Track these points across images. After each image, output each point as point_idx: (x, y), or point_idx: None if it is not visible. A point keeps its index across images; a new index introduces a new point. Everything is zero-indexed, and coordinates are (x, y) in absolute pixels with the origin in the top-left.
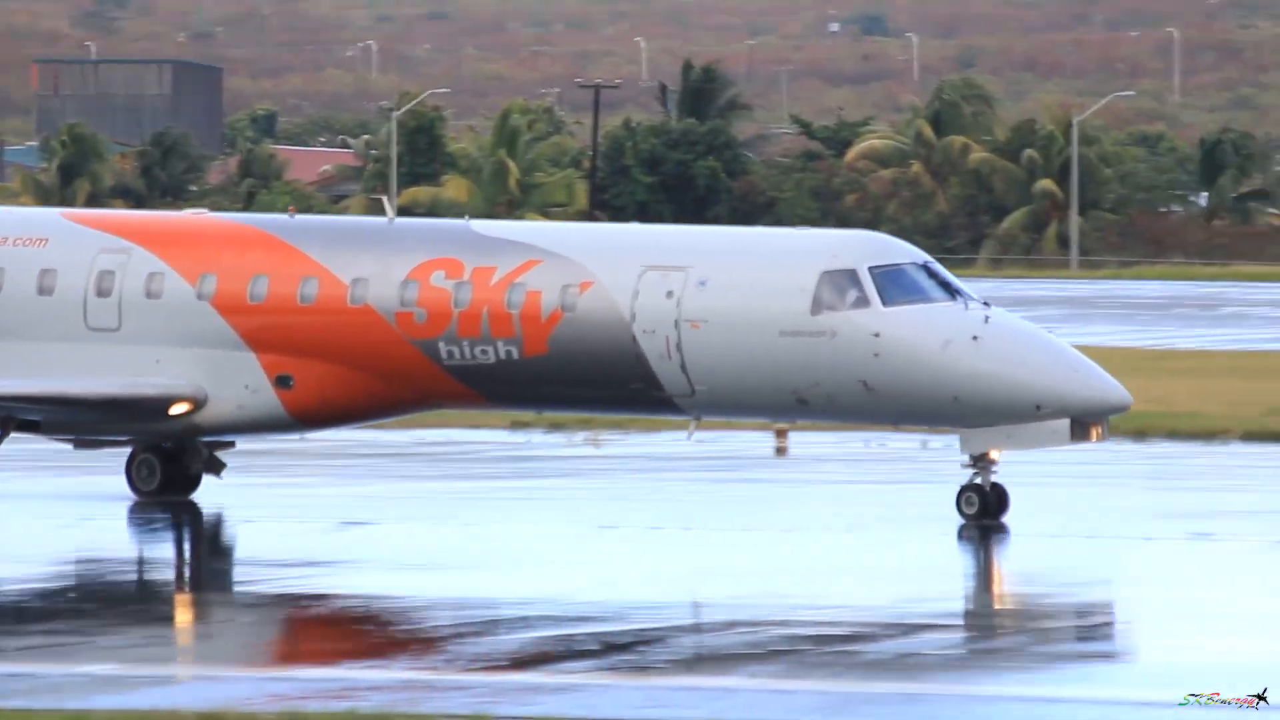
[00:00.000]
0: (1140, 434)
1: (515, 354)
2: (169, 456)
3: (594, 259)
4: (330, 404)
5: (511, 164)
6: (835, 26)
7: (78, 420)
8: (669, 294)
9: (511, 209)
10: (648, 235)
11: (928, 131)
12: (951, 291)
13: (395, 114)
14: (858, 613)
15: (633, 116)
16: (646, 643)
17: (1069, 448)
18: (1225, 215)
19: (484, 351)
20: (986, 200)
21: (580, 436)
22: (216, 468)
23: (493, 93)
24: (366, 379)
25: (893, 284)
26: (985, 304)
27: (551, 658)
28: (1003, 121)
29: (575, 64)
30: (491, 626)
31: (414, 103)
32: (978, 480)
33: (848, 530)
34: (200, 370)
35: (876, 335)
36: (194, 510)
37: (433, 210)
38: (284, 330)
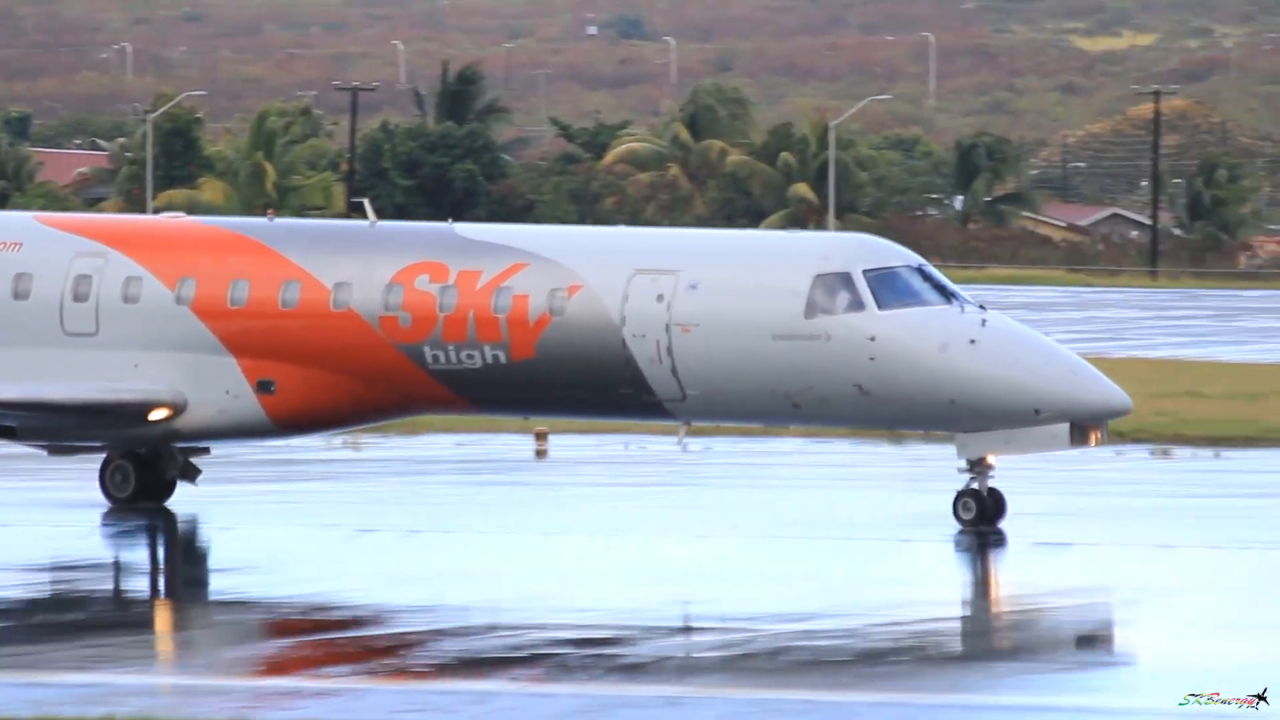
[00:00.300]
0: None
1: (502, 358)
2: (143, 463)
3: (582, 262)
4: (313, 409)
5: (269, 166)
6: (593, 29)
7: (55, 426)
8: (659, 297)
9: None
10: (636, 238)
11: (684, 135)
12: (947, 294)
13: (150, 116)
14: (617, 615)
15: (390, 119)
16: (407, 646)
17: (1064, 452)
18: (980, 218)
19: (470, 356)
20: (744, 204)
21: (340, 439)
22: (191, 474)
23: (249, 95)
24: (350, 384)
25: (887, 287)
26: (981, 307)
27: (311, 662)
28: (760, 125)
29: (332, 66)
30: (251, 631)
31: (170, 105)
32: (974, 485)
33: (608, 533)
34: (180, 375)
35: (872, 339)
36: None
37: (190, 213)
38: (265, 335)
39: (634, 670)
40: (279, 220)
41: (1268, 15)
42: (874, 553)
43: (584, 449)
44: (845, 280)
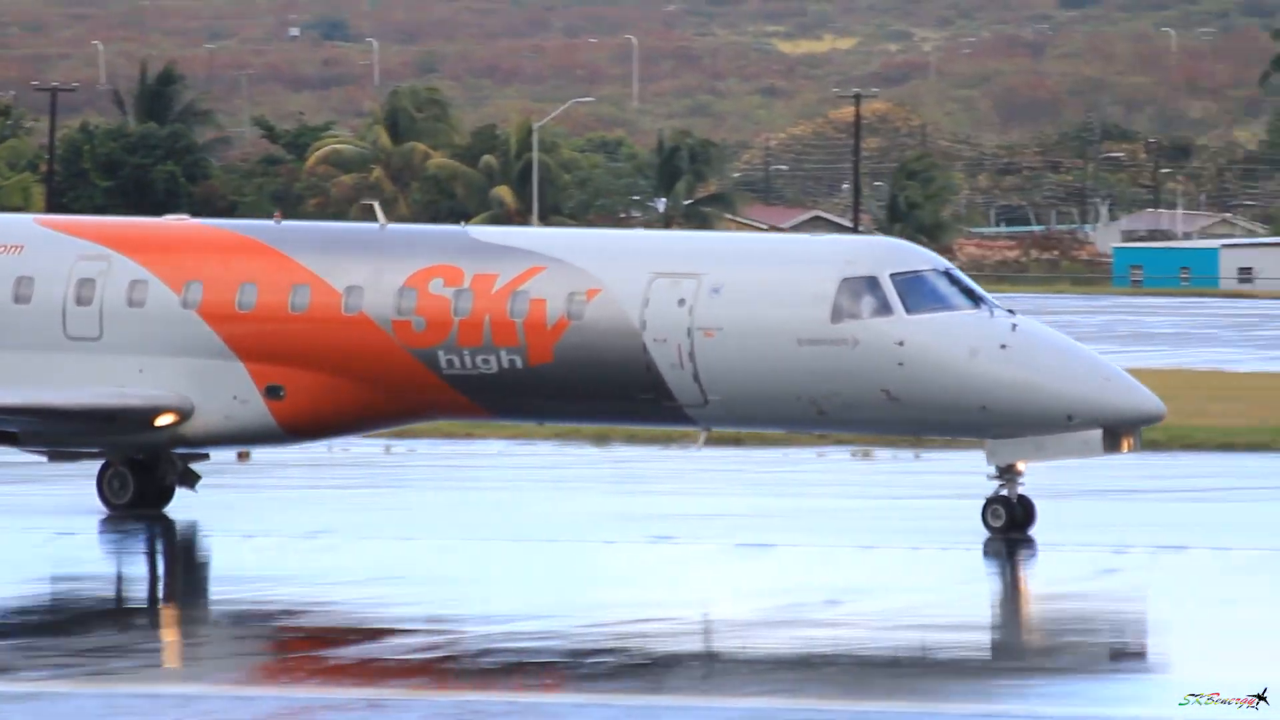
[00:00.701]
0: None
1: (519, 363)
2: (142, 469)
3: (600, 265)
4: (322, 415)
5: None
6: (295, 31)
7: (59, 431)
8: (681, 301)
9: None
10: (655, 241)
11: (384, 138)
12: (975, 299)
13: None
14: (318, 618)
15: (91, 120)
16: (106, 649)
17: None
18: (682, 221)
19: (486, 361)
20: (449, 205)
21: None
22: (191, 480)
23: None
24: (361, 389)
25: (915, 291)
26: (1010, 311)
27: (10, 668)
28: (464, 127)
29: (31, 67)
30: None
31: None
32: (1004, 492)
33: (307, 535)
34: (186, 380)
35: (900, 344)
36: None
37: None
38: (274, 339)
39: (337, 672)
40: (286, 223)
41: (965, 19)
42: (578, 554)
43: (287, 451)
44: (872, 284)
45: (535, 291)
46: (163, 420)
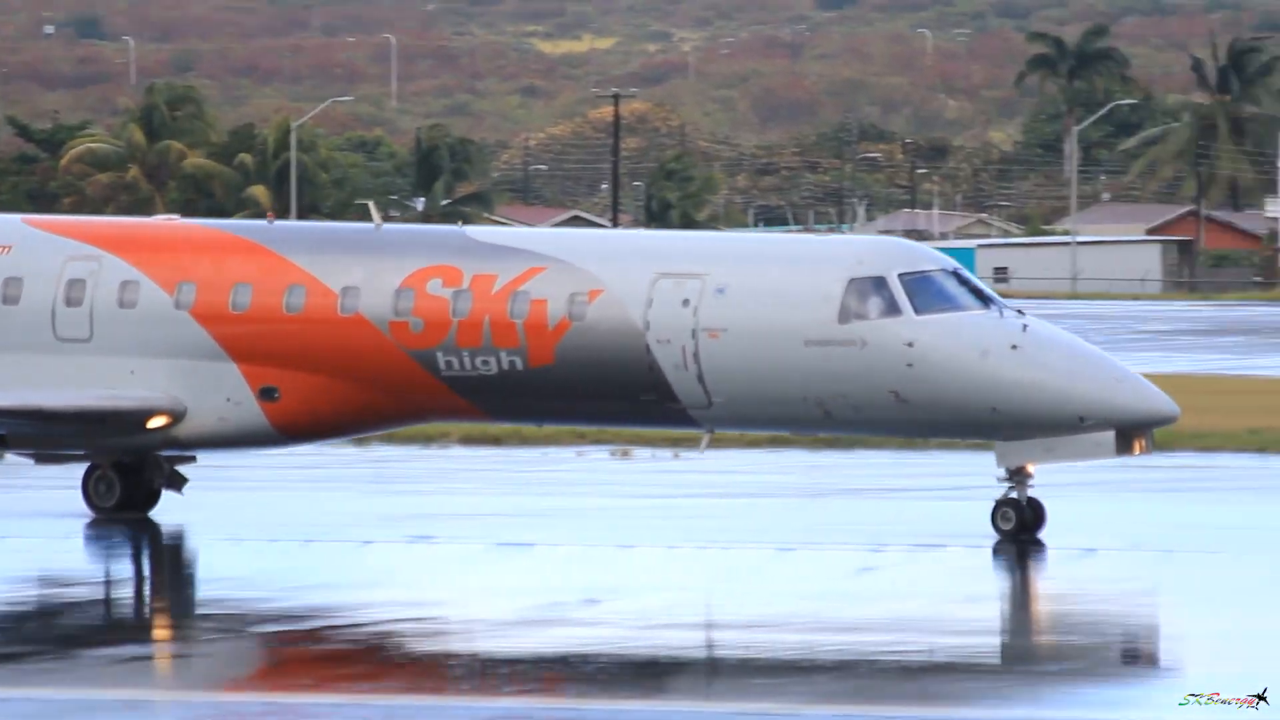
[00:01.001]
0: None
1: (519, 365)
2: (128, 472)
3: (602, 266)
4: (318, 416)
5: None
6: (50, 29)
7: (48, 434)
8: (685, 302)
9: None
10: (659, 241)
11: (139, 136)
12: (984, 299)
13: None
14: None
15: None
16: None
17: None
18: (440, 220)
19: (485, 362)
20: (207, 204)
21: None
22: (178, 483)
23: None
24: (357, 390)
25: (923, 291)
26: (1020, 312)
27: None
28: (221, 126)
29: None
30: None
31: None
32: (1013, 495)
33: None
34: (178, 382)
35: (910, 345)
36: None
37: None
38: (269, 340)
39: (99, 671)
40: (279, 223)
41: (724, 20)
42: (335, 554)
43: None
44: (880, 284)
45: (536, 292)
46: (155, 422)
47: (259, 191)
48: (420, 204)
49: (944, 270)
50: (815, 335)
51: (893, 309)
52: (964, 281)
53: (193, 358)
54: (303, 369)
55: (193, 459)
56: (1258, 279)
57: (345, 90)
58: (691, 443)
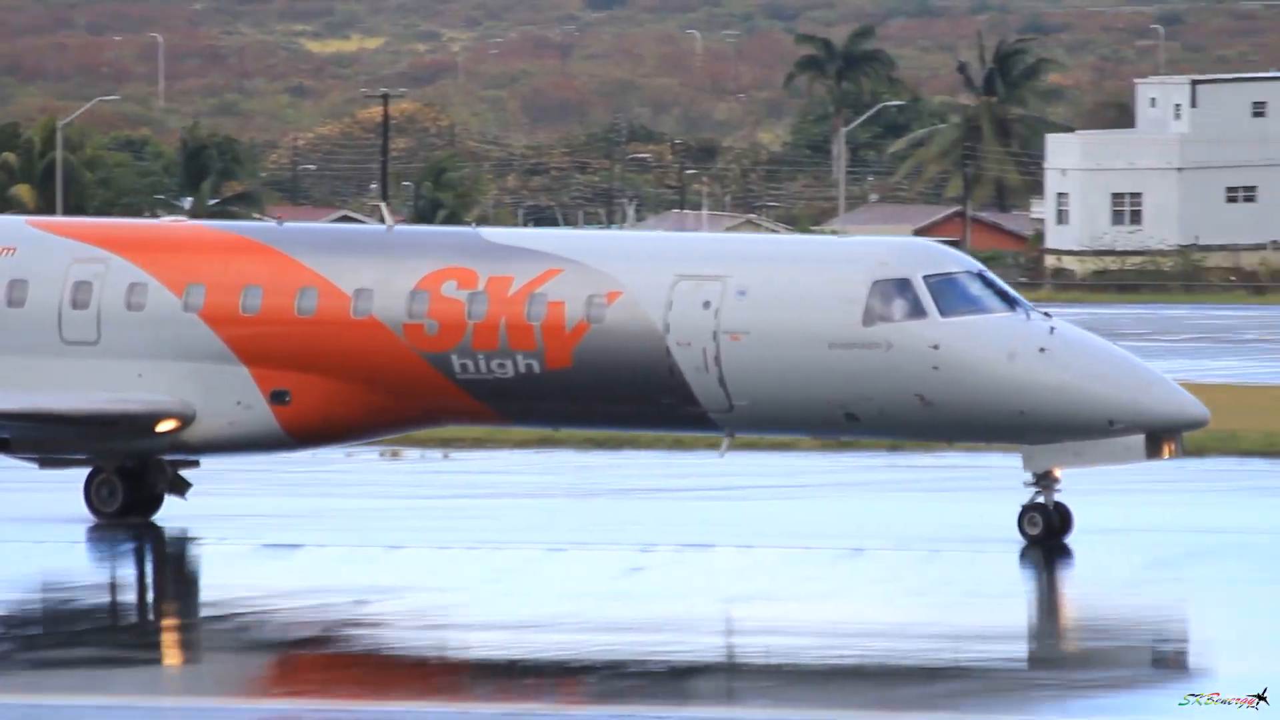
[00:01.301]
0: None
1: (536, 368)
2: (131, 476)
3: (620, 268)
4: (330, 420)
5: None
6: None
7: (55, 437)
8: (706, 304)
9: None
10: (677, 242)
11: None
12: (1009, 301)
13: None
14: None
15: None
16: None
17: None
18: (209, 219)
19: (501, 365)
20: None
21: None
22: (181, 488)
23: None
24: (370, 394)
25: (948, 293)
26: (1046, 314)
27: None
28: None
29: None
30: None
31: None
32: (1040, 499)
33: None
34: (188, 385)
35: (935, 347)
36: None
37: None
38: (280, 343)
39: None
40: (289, 224)
41: (493, 20)
42: (103, 556)
43: None
44: (905, 286)
45: (553, 294)
46: (164, 426)
47: (23, 190)
48: (188, 204)
49: (969, 272)
50: (839, 338)
51: (918, 311)
52: (989, 283)
53: (202, 360)
54: (315, 372)
55: (196, 464)
56: (1023, 280)
57: (112, 89)
58: (461, 443)
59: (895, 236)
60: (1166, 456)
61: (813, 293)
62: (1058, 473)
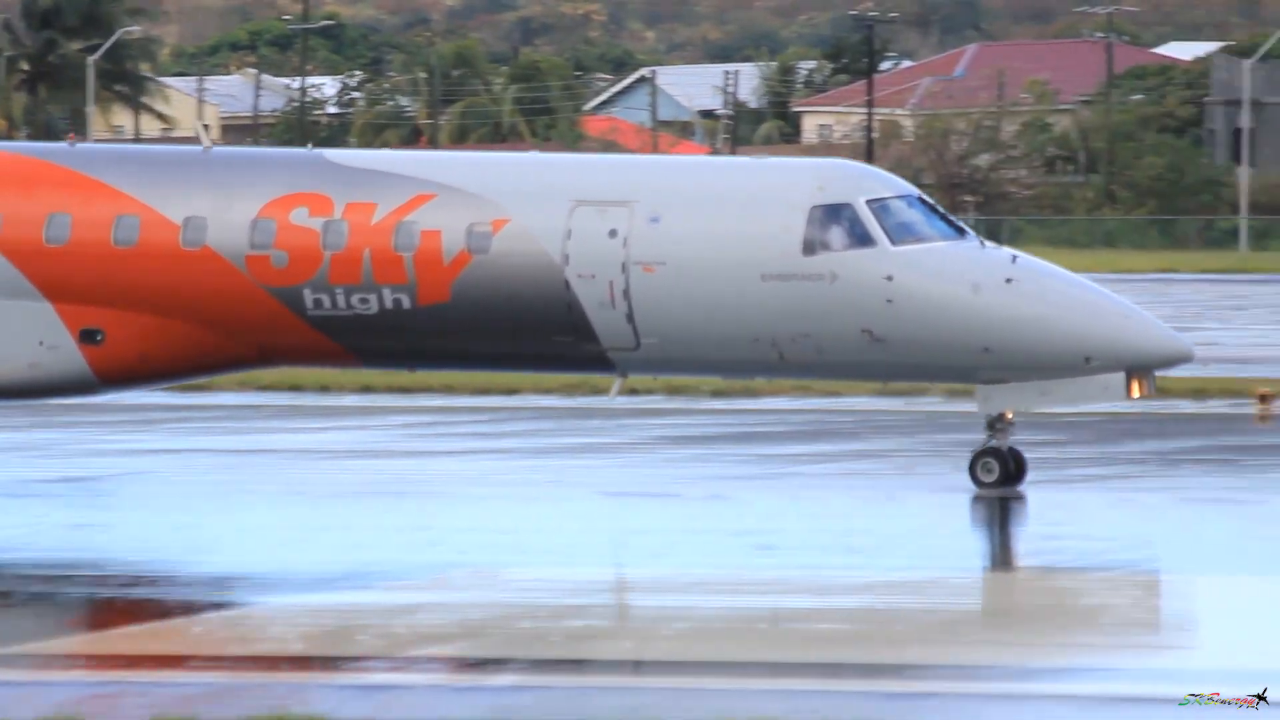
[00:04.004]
0: None
1: (406, 302)
2: None
3: (504, 193)
4: (150, 362)
5: None
6: None
7: None
8: (612, 233)
9: None
10: (569, 166)
11: None
12: (957, 229)
13: None
14: None
15: None
16: None
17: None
18: None
19: (364, 300)
20: None
21: None
22: None
23: None
24: (200, 332)
25: (894, 219)
26: (996, 244)
27: None
28: None
29: None
30: None
31: None
32: (994, 444)
33: None
34: None
35: (889, 279)
36: None
37: None
38: (94, 278)
39: None
40: (88, 144)
41: None
42: None
43: None
44: (848, 212)
45: (426, 222)
46: None
47: None
48: None
49: (910, 197)
50: (775, 269)
51: (865, 239)
52: (932, 209)
53: (1, 297)
54: (135, 309)
55: None
56: None
57: None
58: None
59: (826, 159)
60: (1140, 395)
61: (740, 219)
62: (1010, 415)
